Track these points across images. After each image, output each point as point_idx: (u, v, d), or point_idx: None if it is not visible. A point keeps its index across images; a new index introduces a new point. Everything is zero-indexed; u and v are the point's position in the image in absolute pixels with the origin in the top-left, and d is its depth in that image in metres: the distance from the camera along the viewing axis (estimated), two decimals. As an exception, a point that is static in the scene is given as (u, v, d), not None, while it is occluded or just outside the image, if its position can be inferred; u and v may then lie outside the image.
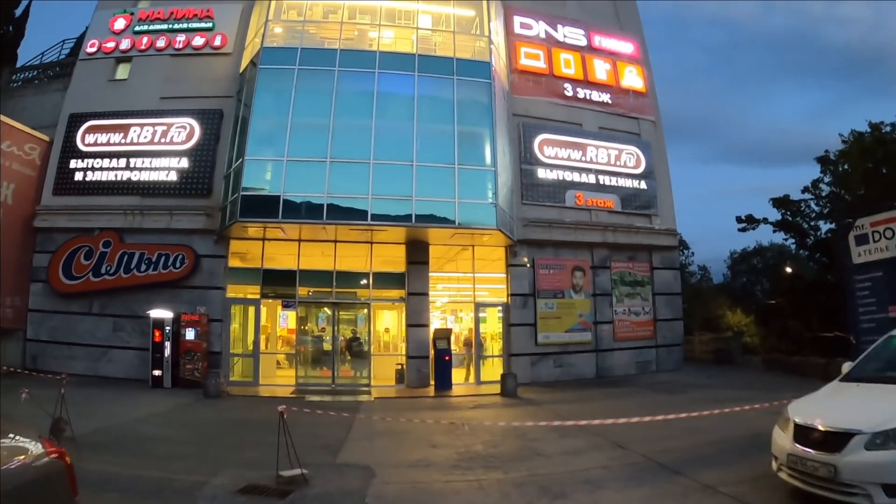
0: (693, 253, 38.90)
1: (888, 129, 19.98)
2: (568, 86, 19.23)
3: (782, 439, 5.43)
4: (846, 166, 20.66)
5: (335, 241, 15.93)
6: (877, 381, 5.86)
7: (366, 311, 16.82)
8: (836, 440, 4.85)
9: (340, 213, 14.39)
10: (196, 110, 16.75)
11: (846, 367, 6.51)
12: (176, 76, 17.25)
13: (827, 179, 21.22)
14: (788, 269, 22.11)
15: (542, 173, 17.90)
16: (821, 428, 5.05)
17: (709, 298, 30.53)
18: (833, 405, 5.68)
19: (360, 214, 14.40)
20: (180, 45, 17.56)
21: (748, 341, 24.61)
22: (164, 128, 16.55)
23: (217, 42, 17.57)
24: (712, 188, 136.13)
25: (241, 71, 16.87)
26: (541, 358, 17.05)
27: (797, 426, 5.27)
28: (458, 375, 16.45)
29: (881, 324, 12.07)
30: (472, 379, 16.65)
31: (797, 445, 5.17)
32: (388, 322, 18.12)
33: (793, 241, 23.02)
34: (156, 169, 16.35)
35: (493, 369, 16.58)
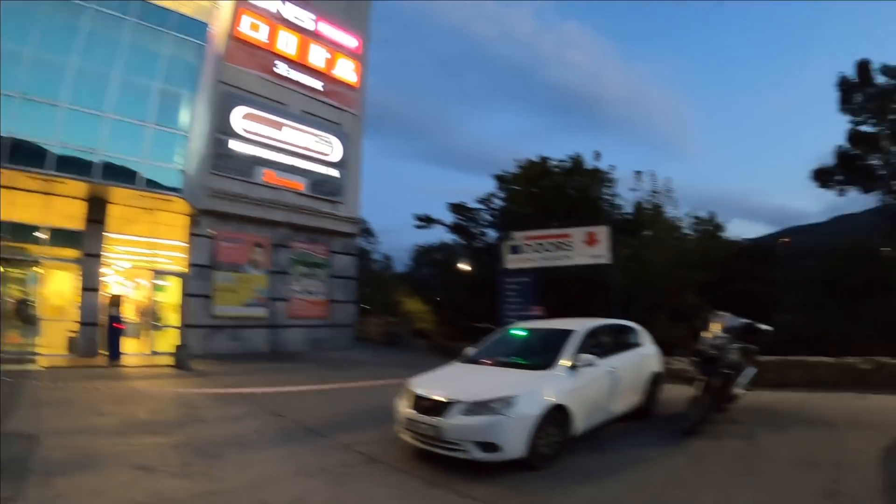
0: (381, 241, 45.12)
1: (556, 163, 26.14)
2: (283, 64, 22.00)
3: (404, 407, 7.02)
4: (517, 187, 26.51)
5: (6, 188, 15.39)
6: (485, 363, 7.89)
7: (38, 270, 16.76)
8: (441, 407, 6.47)
9: (20, 158, 14.23)
10: None
11: (468, 350, 8.55)
12: None
13: (501, 195, 26.90)
14: (460, 267, 27.27)
15: (237, 146, 20.30)
16: (431, 397, 6.68)
17: (390, 285, 36.18)
18: (446, 380, 7.38)
19: (41, 161, 14.50)
20: None
21: (424, 327, 29.90)
22: None
23: None
24: (418, 183, 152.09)
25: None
26: (216, 330, 19.53)
27: (416, 396, 6.89)
28: (133, 345, 17.69)
29: (523, 319, 13.91)
30: (146, 349, 17.92)
31: (414, 411, 6.75)
32: (61, 284, 17.79)
33: (464, 242, 28.45)
34: None
35: (169, 340, 17.95)
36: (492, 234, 26.27)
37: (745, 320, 9.49)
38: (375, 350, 24.00)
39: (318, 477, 6.07)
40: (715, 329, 9.14)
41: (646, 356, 9.34)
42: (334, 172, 23.12)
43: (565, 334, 7.80)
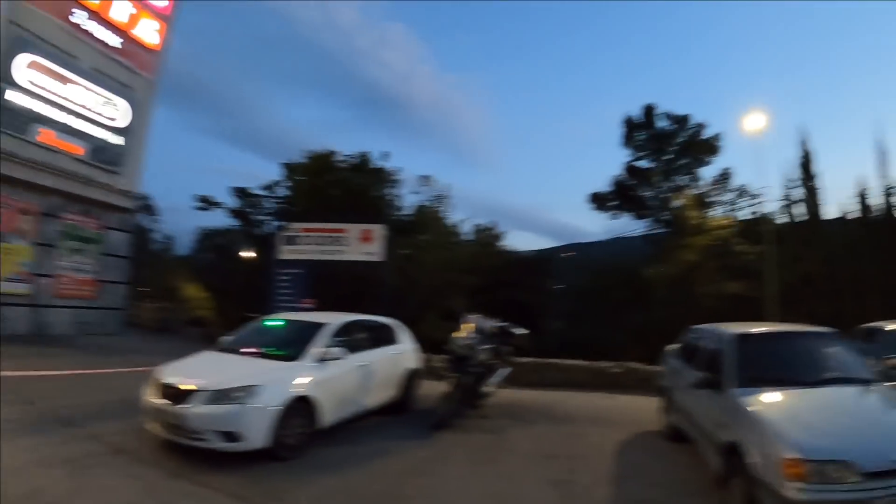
0: (165, 220, 42.68)
1: (343, 157, 26.76)
2: (82, 13, 19.78)
3: (150, 396, 6.95)
4: (302, 177, 26.68)
5: None
6: (238, 352, 7.99)
7: None
8: (186, 396, 6.52)
9: None
10: None
11: (222, 339, 8.68)
12: None
13: (287, 184, 26.84)
14: (241, 254, 26.67)
15: (14, 97, 17.83)
16: (176, 386, 6.71)
17: (169, 268, 34.21)
18: (193, 368, 7.42)
19: None
20: None
21: (202, 314, 28.75)
22: None
23: None
24: (216, 163, 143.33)
25: None
26: (-27, 309, 17.28)
27: (162, 384, 6.86)
28: None
29: (294, 311, 13.83)
30: None
31: (160, 400, 6.73)
32: None
33: (244, 229, 27.85)
34: None
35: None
36: (274, 222, 26.14)
37: (498, 323, 10.67)
38: (146, 337, 22.99)
39: (60, 468, 6.04)
40: (467, 329, 9.87)
41: (402, 353, 9.98)
42: (118, 140, 21.37)
43: (317, 327, 8.18)
